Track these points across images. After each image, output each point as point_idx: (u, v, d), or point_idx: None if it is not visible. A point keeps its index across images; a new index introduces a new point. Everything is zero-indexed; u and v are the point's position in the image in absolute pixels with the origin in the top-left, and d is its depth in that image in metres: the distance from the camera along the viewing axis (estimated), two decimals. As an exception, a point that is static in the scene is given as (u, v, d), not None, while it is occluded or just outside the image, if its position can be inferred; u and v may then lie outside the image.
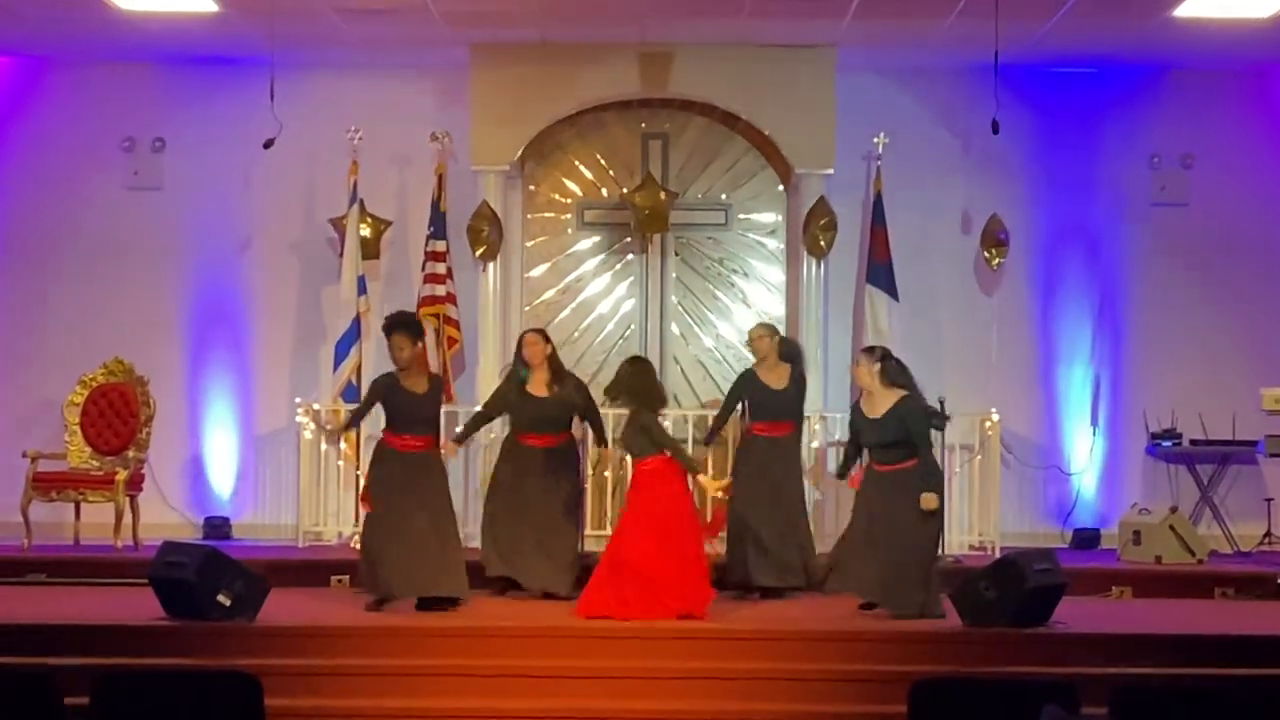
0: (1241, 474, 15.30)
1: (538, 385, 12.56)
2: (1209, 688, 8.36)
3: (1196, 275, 15.44)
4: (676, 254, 15.20)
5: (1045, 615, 10.92)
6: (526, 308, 15.09)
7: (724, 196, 15.21)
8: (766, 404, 12.77)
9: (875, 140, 14.96)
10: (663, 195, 14.76)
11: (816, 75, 14.65)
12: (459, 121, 14.86)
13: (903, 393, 11.58)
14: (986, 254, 15.07)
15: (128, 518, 14.13)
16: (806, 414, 13.29)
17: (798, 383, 12.75)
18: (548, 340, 12.70)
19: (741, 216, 15.23)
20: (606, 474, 14.35)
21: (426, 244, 14.82)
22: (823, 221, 14.53)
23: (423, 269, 14.82)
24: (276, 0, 13.18)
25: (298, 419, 14.52)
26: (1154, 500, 14.76)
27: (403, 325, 11.78)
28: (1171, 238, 15.48)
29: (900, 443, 11.48)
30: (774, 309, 14.89)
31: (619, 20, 13.98)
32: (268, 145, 13.83)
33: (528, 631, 10.79)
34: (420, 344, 11.93)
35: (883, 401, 11.58)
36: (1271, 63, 15.22)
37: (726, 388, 14.61)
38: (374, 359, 14.39)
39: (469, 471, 14.53)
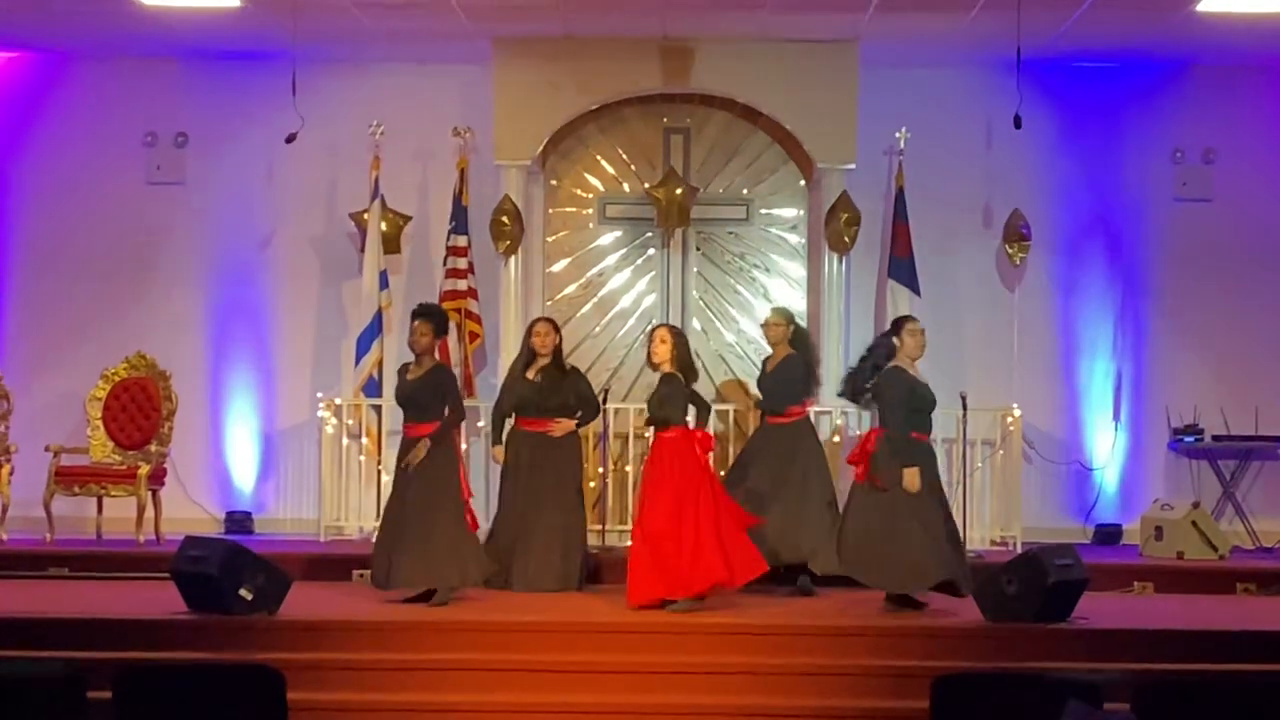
0: (1264, 469, 15.28)
1: (541, 371, 12.64)
2: (1231, 683, 8.34)
3: (1219, 271, 15.41)
4: (698, 249, 15.19)
5: (1067, 611, 10.91)
6: (548, 302, 15.09)
7: (745, 191, 15.19)
8: (760, 388, 12.91)
9: (897, 135, 14.95)
10: (681, 190, 14.75)
11: (838, 70, 14.63)
12: (481, 116, 14.87)
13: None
14: (1008, 249, 15.06)
15: (150, 512, 14.18)
16: (827, 407, 13.33)
17: (788, 367, 12.72)
18: (558, 330, 12.81)
19: (763, 211, 15.21)
20: (628, 469, 14.35)
21: (448, 239, 14.85)
22: (846, 216, 14.51)
23: (444, 264, 14.85)
24: (298, -5, 13.22)
25: (319, 413, 14.55)
26: (1176, 496, 14.74)
27: (425, 314, 11.89)
28: (1194, 233, 15.45)
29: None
30: (795, 304, 14.84)
31: (641, 14, 13.97)
32: (290, 140, 13.89)
33: (551, 626, 10.79)
34: (438, 338, 12.01)
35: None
36: (1295, 57, 15.20)
37: (748, 382, 14.75)
38: (396, 353, 14.42)
39: (490, 468, 14.54)
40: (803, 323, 13.71)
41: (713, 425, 14.46)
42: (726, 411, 14.51)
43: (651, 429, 12.12)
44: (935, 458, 11.83)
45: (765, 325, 13.00)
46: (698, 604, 11.28)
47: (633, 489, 14.25)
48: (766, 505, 12.35)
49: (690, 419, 12.00)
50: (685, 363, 11.80)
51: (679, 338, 11.88)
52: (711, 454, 12.00)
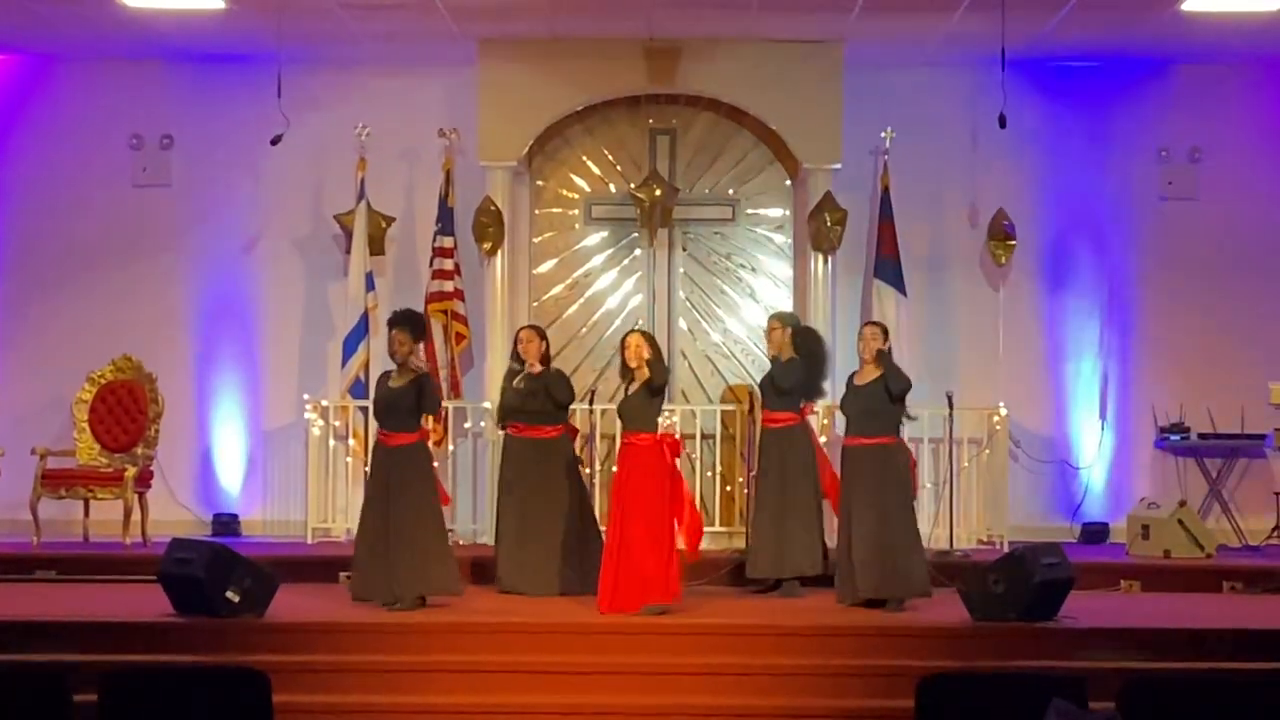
0: (1250, 468, 15.29)
1: (525, 377, 12.63)
2: (1217, 682, 8.35)
3: (1204, 269, 15.42)
4: (684, 249, 15.19)
5: (1053, 610, 10.93)
6: (534, 303, 15.09)
7: (731, 191, 15.19)
8: (761, 387, 12.95)
9: (882, 135, 14.96)
10: (662, 191, 14.74)
11: (824, 70, 14.63)
12: (467, 117, 14.86)
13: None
14: (994, 248, 15.06)
15: (136, 515, 14.16)
16: (816, 409, 13.34)
17: (784, 370, 12.70)
18: (542, 337, 12.77)
19: (749, 211, 15.21)
20: (614, 469, 14.33)
21: (434, 240, 14.84)
22: (830, 216, 14.51)
23: (430, 265, 14.84)
24: (283, -4, 13.20)
25: (306, 415, 14.55)
26: (1162, 494, 14.75)
27: (401, 321, 11.82)
28: (1179, 231, 15.46)
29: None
30: (782, 304, 14.83)
31: (626, 15, 13.97)
32: (275, 142, 13.87)
33: (538, 627, 10.80)
34: (419, 343, 11.95)
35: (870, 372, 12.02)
36: (1279, 56, 15.19)
37: (735, 383, 14.74)
38: (382, 355, 14.35)
39: (477, 469, 14.56)
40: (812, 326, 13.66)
41: (708, 426, 14.55)
42: (713, 412, 14.52)
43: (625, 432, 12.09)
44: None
45: (767, 329, 13.00)
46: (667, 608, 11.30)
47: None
48: (763, 522, 12.51)
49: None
50: (658, 367, 11.78)
51: (655, 344, 11.88)
52: (679, 459, 12.00)
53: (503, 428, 12.92)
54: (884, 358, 11.94)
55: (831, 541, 12.51)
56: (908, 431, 12.37)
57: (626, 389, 11.85)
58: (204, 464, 15.44)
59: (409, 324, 11.84)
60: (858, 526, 11.72)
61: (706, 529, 14.24)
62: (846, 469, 11.96)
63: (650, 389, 11.64)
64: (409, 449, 11.67)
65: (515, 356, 12.78)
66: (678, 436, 13.08)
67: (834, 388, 13.30)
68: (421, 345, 12.21)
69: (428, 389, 11.83)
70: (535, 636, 10.66)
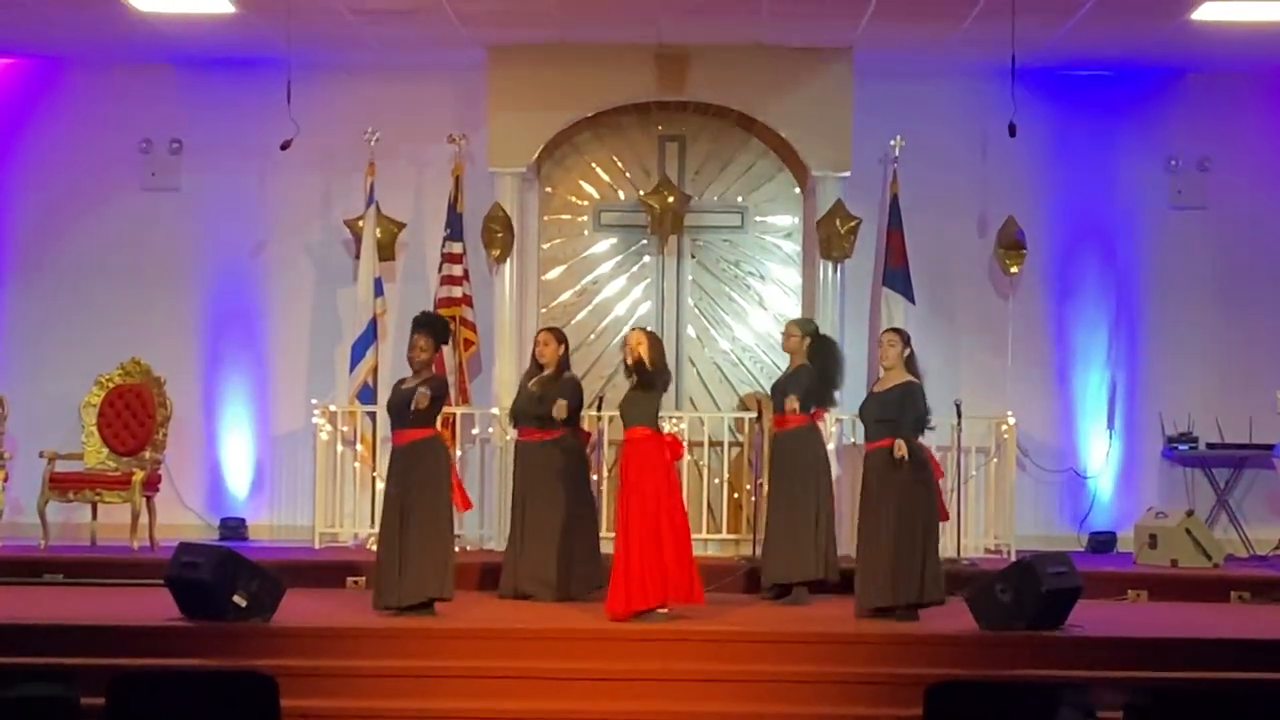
0: (1258, 478, 15.27)
1: (539, 381, 12.61)
2: (1224, 692, 8.36)
3: (1213, 278, 15.41)
4: (693, 256, 15.19)
5: (1061, 619, 10.92)
6: (543, 310, 15.09)
7: (740, 199, 15.20)
8: (771, 392, 12.96)
9: (892, 143, 14.96)
10: (674, 198, 14.75)
11: (833, 78, 14.64)
12: (476, 123, 14.88)
13: (911, 378, 11.79)
14: (1003, 257, 15.05)
15: (144, 518, 14.17)
16: (825, 418, 13.33)
17: (797, 377, 12.68)
18: (561, 340, 12.73)
19: (758, 219, 15.22)
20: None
21: (443, 246, 14.84)
22: (840, 224, 14.48)
23: (439, 271, 14.84)
24: (293, 1, 13.17)
25: (314, 420, 14.54)
26: (1170, 504, 14.74)
27: (425, 325, 11.80)
28: (1189, 241, 15.45)
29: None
30: (790, 312, 14.83)
31: (636, 22, 13.98)
32: (284, 147, 13.86)
33: (542, 633, 10.79)
34: (438, 349, 11.96)
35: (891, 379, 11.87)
36: (1289, 66, 15.22)
37: (742, 391, 14.75)
38: (390, 360, 14.43)
39: (485, 475, 14.55)
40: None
41: (717, 433, 14.55)
42: (721, 419, 14.52)
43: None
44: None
45: (783, 335, 13.00)
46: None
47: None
48: (774, 527, 12.52)
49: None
50: (660, 365, 11.75)
51: (655, 341, 11.84)
52: (680, 461, 11.99)
53: (515, 426, 12.89)
54: (911, 393, 11.79)
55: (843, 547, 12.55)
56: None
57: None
58: (212, 468, 15.45)
59: (432, 330, 11.79)
60: (869, 531, 11.67)
61: (715, 536, 14.30)
62: (865, 475, 11.91)
63: (641, 382, 11.62)
64: (419, 445, 11.52)
65: (532, 358, 12.78)
66: (684, 442, 13.07)
67: (848, 396, 13.31)
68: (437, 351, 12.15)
69: (434, 382, 11.69)
70: (541, 642, 10.65)
